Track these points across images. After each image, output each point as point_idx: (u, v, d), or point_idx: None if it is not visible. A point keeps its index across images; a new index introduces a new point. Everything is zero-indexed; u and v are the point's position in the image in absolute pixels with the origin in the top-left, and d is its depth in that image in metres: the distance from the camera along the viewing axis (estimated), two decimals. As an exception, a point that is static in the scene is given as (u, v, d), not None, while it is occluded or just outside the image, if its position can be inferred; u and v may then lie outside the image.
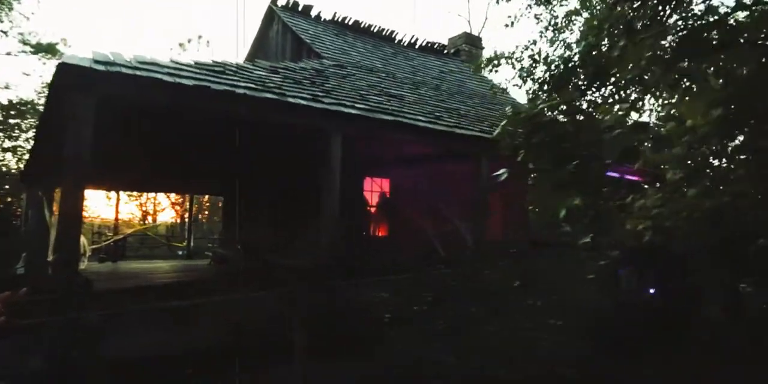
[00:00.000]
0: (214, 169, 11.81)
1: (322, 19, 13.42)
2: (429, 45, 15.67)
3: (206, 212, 31.34)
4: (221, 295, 4.99)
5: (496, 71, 8.48)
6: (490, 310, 3.96)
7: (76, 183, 4.75)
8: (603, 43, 7.17)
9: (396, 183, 11.54)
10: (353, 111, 6.11)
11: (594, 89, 7.61)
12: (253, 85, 5.65)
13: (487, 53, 17.29)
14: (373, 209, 11.29)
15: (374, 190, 11.29)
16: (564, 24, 10.45)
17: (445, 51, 16.24)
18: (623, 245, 3.61)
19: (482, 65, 8.23)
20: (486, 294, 4.25)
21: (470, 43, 16.64)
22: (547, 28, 10.35)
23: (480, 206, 7.60)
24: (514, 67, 8.54)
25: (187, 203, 24.58)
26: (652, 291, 6.15)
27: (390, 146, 9.47)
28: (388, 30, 14.84)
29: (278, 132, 8.40)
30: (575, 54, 6.22)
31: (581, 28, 10.30)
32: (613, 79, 7.77)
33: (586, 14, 9.92)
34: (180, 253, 20.29)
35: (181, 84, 5.00)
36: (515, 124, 2.81)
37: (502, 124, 2.91)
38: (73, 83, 4.70)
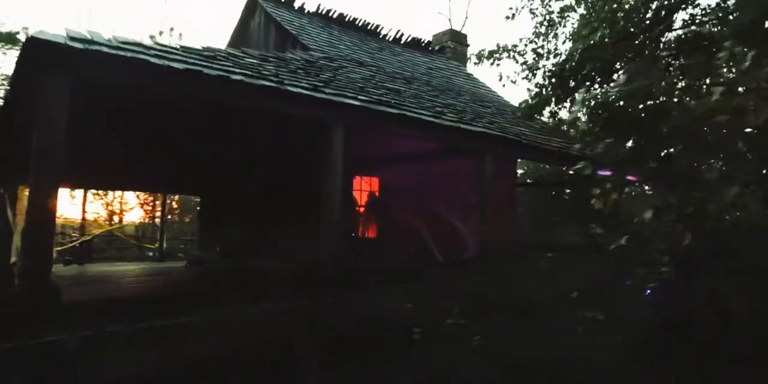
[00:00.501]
0: (193, 165, 11.14)
1: (306, 11, 12.91)
2: (414, 41, 15.28)
3: (176, 212, 30.21)
4: (213, 306, 4.44)
5: (498, 64, 8.17)
6: (531, 323, 3.56)
7: (48, 181, 4.14)
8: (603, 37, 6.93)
9: (386, 182, 11.11)
10: (356, 102, 5.64)
11: (598, 84, 7.34)
12: (248, 72, 5.12)
13: (471, 51, 17.06)
14: (361, 209, 10.84)
15: (363, 189, 10.84)
16: (558, 20, 10.24)
17: (430, 48, 15.89)
18: (675, 250, 3.26)
19: (484, 57, 7.91)
20: (522, 303, 3.85)
21: (455, 40, 16.32)
22: (542, 24, 10.14)
23: (484, 205, 7.23)
24: (516, 61, 8.25)
25: (157, 202, 23.58)
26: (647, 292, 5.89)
27: (381, 143, 9.04)
28: (373, 24, 14.39)
29: (267, 125, 7.87)
30: (589, 46, 5.92)
31: (575, 24, 10.11)
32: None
33: (581, 10, 9.72)
34: (150, 254, 19.38)
35: (170, 67, 4.44)
36: (587, 110, 2.42)
37: (573, 109, 2.51)
38: (45, 63, 4.09)
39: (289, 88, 5.16)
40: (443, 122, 6.54)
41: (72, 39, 4.15)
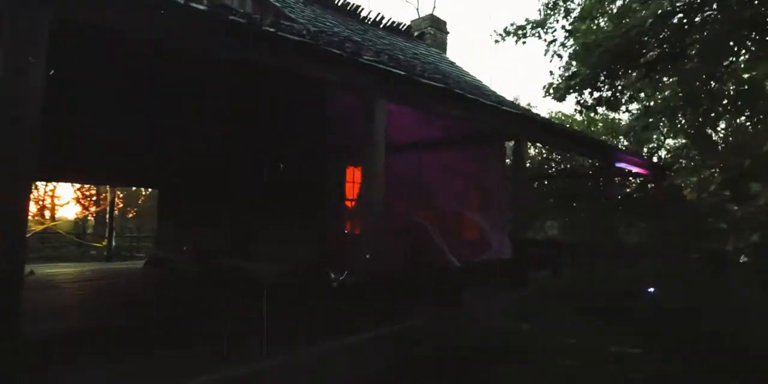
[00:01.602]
0: (155, 152, 9.70)
1: (283, -14, 11.71)
2: (394, 25, 14.36)
3: (119, 207, 27.84)
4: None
5: (524, 42, 7.46)
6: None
7: (17, 171, 2.94)
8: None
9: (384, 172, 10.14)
10: (401, 72, 4.68)
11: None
12: (282, 25, 4.04)
13: (450, 38, 16.40)
14: (350, 203, 9.82)
15: (356, 181, 9.82)
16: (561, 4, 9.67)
17: (410, 33, 15.06)
18: None
19: (511, 33, 7.20)
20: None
21: (435, 26, 15.54)
22: (547, 5, 9.54)
23: (515, 198, 6.46)
24: (541, 38, 7.60)
25: (102, 196, 21.54)
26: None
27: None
28: (353, 5, 13.38)
29: (258, 97, 6.74)
30: (659, 16, 5.27)
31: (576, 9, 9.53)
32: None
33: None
34: (94, 253, 17.49)
35: (190, 7, 3.30)
36: None
37: None
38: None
39: (330, 48, 4.13)
40: (485, 101, 5.71)
41: (55, -44, 2.95)
